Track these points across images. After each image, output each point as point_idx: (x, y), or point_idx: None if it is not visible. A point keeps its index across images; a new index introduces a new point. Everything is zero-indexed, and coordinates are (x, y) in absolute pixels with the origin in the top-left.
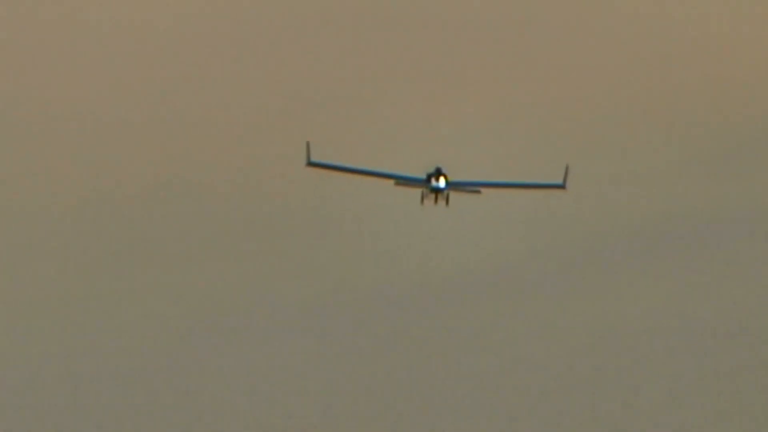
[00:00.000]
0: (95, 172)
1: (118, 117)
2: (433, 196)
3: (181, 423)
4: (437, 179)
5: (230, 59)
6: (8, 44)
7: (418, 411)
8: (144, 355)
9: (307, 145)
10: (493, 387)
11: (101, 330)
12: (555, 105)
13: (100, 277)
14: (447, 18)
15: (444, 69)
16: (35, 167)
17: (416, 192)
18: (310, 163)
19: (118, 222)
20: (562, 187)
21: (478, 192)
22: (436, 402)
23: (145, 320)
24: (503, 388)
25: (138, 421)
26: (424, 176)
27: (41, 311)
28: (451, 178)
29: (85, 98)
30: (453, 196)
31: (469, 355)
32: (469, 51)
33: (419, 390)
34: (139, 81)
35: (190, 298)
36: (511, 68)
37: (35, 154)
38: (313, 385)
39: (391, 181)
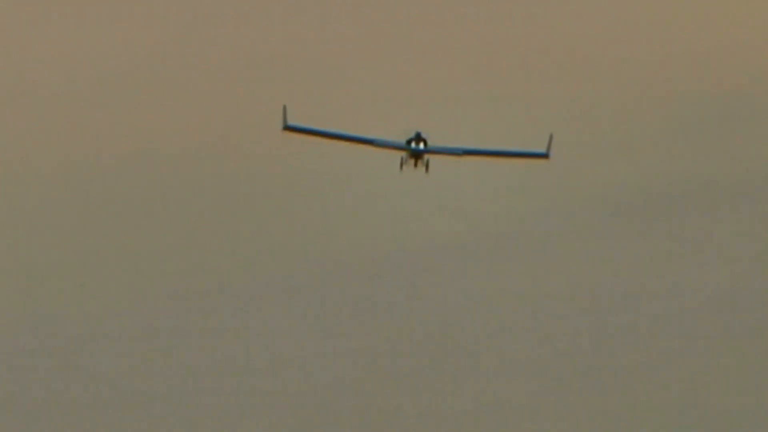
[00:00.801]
0: (69, 138)
1: (91, 82)
2: (412, 161)
3: (165, 408)
4: (417, 143)
5: (203, 20)
6: None
7: (398, 383)
8: (121, 324)
9: (284, 108)
10: (476, 360)
11: (76, 302)
12: (539, 71)
13: (72, 242)
14: None
15: (426, 33)
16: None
17: (396, 157)
18: (287, 127)
19: (93, 189)
20: (545, 156)
21: (459, 155)
22: (418, 376)
23: (121, 290)
24: (486, 362)
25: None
26: (403, 141)
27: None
28: (431, 144)
29: (59, 56)
30: (433, 163)
31: (452, 326)
32: (451, 14)
33: (400, 364)
34: (113, 44)
35: (166, 270)
36: (495, 32)
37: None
38: (293, 359)
39: (371, 147)
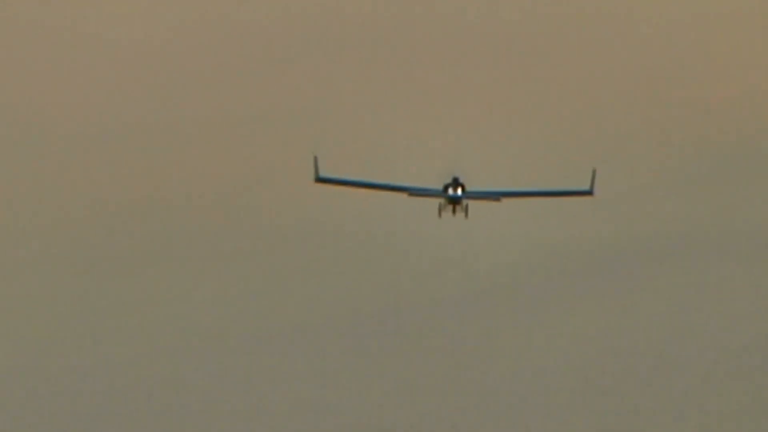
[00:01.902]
0: (105, 189)
1: (127, 132)
2: (450, 207)
3: None
4: (454, 189)
5: (236, 72)
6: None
7: (439, 419)
8: (154, 371)
9: (315, 159)
10: (512, 396)
11: (105, 347)
12: (572, 110)
13: (110, 291)
14: (460, 23)
15: (455, 73)
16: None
17: (432, 204)
18: (319, 179)
19: (127, 237)
20: (589, 193)
21: (498, 200)
22: (457, 412)
23: (156, 337)
24: (521, 397)
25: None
26: (440, 187)
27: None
28: (469, 188)
29: (95, 109)
30: (472, 206)
31: (490, 369)
32: (481, 56)
33: (440, 401)
34: (147, 96)
35: (201, 317)
36: (525, 73)
37: (42, 170)
38: (331, 400)
39: (405, 194)
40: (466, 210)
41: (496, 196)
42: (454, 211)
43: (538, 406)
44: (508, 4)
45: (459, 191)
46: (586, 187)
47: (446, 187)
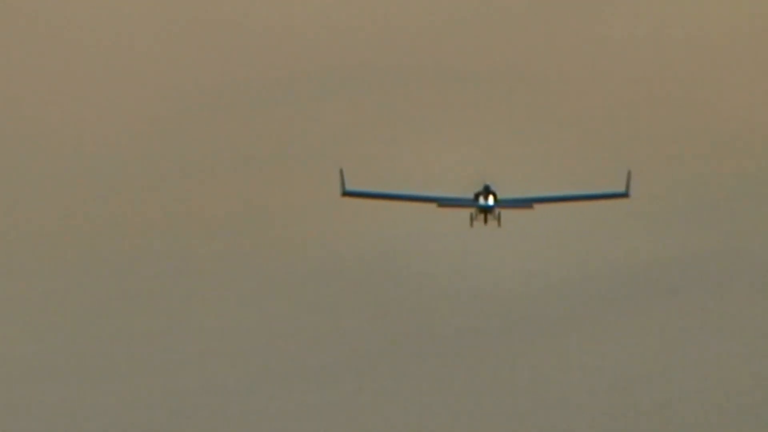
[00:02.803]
0: (129, 203)
1: (151, 150)
2: (482, 216)
3: None
4: (485, 198)
5: (258, 86)
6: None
7: None
8: (177, 400)
9: (341, 172)
10: (552, 416)
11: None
12: (604, 110)
13: (130, 311)
14: (483, 29)
15: (480, 78)
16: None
17: (463, 214)
18: (346, 193)
19: (155, 252)
20: (625, 195)
21: (531, 208)
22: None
23: (181, 358)
24: (562, 418)
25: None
26: (471, 196)
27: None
28: (500, 196)
29: (115, 137)
30: (505, 214)
31: (528, 387)
32: (508, 59)
33: (477, 423)
34: (170, 114)
35: (228, 335)
36: (553, 75)
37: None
38: (360, 417)
39: (434, 205)
40: (498, 218)
41: (528, 203)
42: (486, 220)
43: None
44: (536, 11)
45: (490, 200)
46: (621, 189)
47: (477, 196)
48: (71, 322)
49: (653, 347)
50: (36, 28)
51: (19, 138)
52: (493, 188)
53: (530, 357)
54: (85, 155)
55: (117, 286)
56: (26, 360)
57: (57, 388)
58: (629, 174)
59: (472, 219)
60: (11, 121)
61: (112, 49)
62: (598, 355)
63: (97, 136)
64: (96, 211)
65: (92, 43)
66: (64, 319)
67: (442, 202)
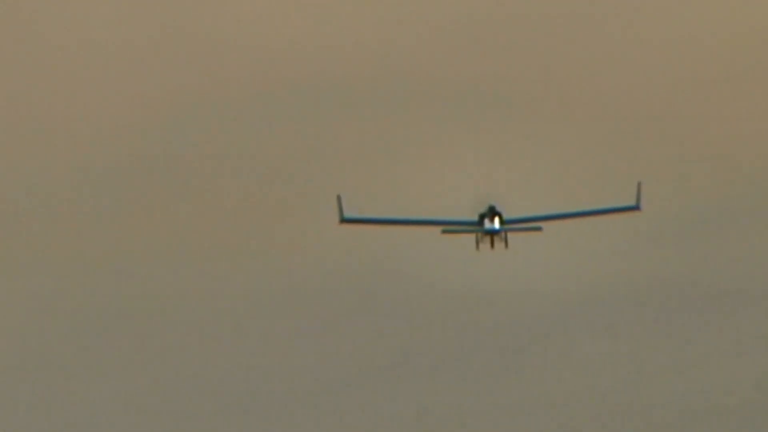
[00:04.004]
0: (128, 228)
1: (144, 174)
2: (488, 239)
3: None
4: (491, 219)
5: (256, 110)
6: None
7: None
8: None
9: (338, 199)
10: None
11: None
12: (609, 124)
13: (129, 336)
14: (484, 44)
15: (482, 93)
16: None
17: (468, 238)
18: (344, 220)
19: (147, 279)
20: (636, 208)
21: (539, 229)
22: None
23: (178, 386)
24: None
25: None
26: (475, 218)
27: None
28: (507, 217)
29: (108, 157)
30: (512, 236)
31: (537, 414)
32: (511, 73)
33: None
34: (163, 138)
35: (225, 362)
36: (557, 89)
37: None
38: None
39: (438, 229)
40: (505, 240)
41: (536, 225)
42: (492, 243)
43: None
44: (539, 21)
45: (496, 222)
46: (632, 202)
47: (482, 217)
48: (65, 326)
49: (670, 367)
50: (34, 28)
51: (15, 138)
52: (498, 209)
53: (542, 383)
54: (65, 192)
55: (104, 327)
56: (26, 360)
57: (57, 388)
58: (639, 186)
59: (477, 242)
60: (2, 123)
61: (97, 82)
62: (614, 377)
63: (84, 170)
64: (84, 245)
65: (77, 67)
66: (58, 321)
67: (446, 229)
